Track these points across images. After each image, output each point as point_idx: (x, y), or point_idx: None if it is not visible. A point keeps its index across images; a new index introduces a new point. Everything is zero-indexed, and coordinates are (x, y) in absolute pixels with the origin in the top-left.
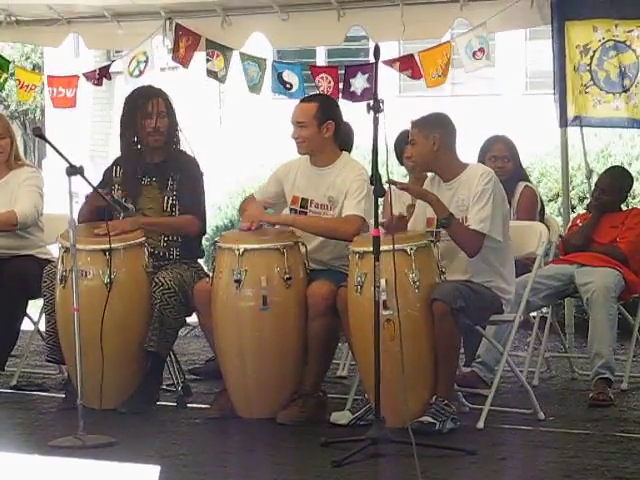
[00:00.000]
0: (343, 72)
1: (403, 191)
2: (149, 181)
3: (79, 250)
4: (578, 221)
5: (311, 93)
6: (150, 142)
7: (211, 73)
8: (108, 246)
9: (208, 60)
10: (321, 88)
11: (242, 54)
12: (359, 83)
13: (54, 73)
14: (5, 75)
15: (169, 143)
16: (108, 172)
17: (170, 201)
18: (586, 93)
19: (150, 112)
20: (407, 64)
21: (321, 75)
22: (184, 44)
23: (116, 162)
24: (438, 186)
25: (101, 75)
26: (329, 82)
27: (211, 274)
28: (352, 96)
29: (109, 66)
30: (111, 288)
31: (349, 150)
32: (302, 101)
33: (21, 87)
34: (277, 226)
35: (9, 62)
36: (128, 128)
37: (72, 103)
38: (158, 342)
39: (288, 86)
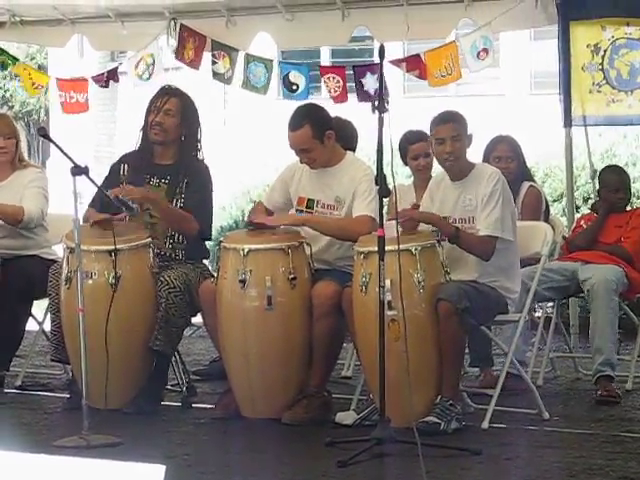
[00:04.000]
0: (352, 72)
1: (407, 192)
2: (158, 182)
3: (84, 251)
4: (582, 222)
5: (296, 113)
6: (150, 136)
7: (217, 75)
8: (113, 247)
9: (214, 62)
10: (328, 89)
11: (248, 55)
12: (370, 84)
13: (59, 74)
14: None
15: (182, 147)
16: (116, 167)
17: (178, 204)
18: (599, 92)
19: (156, 107)
20: (414, 64)
21: (328, 75)
22: (192, 45)
23: (122, 160)
24: (445, 186)
25: (109, 78)
26: (337, 82)
27: (216, 274)
28: (366, 96)
29: (117, 69)
30: (116, 289)
31: (353, 149)
32: (292, 130)
33: (28, 81)
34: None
35: (17, 59)
36: (144, 123)
37: (85, 108)
38: (163, 341)
39: (295, 87)
